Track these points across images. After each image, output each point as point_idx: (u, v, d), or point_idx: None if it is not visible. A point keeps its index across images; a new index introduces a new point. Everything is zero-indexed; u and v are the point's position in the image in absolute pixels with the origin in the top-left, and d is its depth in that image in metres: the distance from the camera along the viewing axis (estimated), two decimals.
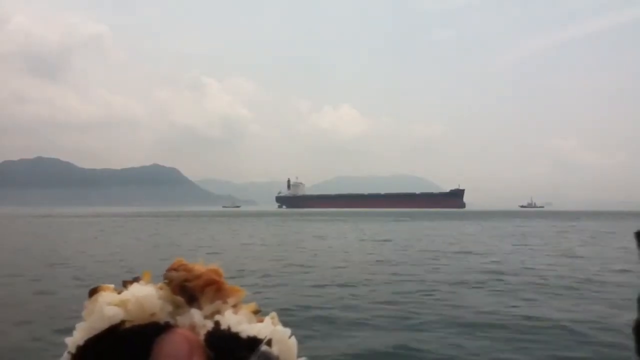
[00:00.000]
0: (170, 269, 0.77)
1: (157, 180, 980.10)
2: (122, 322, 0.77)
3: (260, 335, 0.77)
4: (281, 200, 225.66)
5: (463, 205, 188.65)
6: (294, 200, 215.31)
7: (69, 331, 0.74)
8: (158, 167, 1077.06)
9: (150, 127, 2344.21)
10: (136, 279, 0.77)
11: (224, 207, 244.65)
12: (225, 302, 0.77)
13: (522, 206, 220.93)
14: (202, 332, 0.77)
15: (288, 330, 0.77)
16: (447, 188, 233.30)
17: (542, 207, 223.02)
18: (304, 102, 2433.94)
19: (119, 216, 79.85)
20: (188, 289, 0.77)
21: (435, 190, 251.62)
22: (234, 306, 0.77)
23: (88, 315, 0.77)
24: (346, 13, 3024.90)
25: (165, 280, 0.77)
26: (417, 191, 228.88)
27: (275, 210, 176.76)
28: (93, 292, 0.77)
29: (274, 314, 0.77)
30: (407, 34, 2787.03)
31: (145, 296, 0.76)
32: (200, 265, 0.77)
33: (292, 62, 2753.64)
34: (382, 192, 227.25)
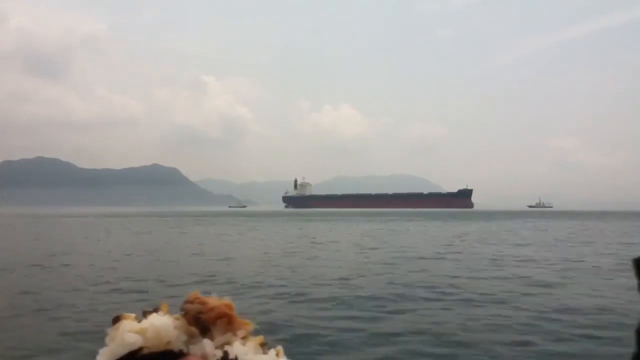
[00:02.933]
0: (186, 302, 0.86)
1: (157, 180, 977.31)
2: (141, 348, 0.85)
3: None
4: (288, 200, 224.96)
5: (471, 205, 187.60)
6: (301, 200, 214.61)
7: None
8: (158, 167, 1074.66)
9: (150, 127, 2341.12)
10: (155, 310, 0.86)
11: (230, 207, 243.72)
12: (234, 334, 0.85)
13: (530, 206, 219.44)
14: None
15: None
16: (447, 188, 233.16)
17: (551, 206, 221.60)
18: (304, 102, 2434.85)
19: (140, 216, 79.16)
20: (202, 321, 0.85)
21: (434, 190, 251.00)
22: (243, 338, 0.85)
23: (110, 341, 0.85)
24: (346, 13, 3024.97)
25: (182, 312, 0.86)
26: (417, 191, 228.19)
27: (284, 210, 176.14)
28: (116, 320, 0.86)
29: (279, 347, 0.84)
30: (407, 34, 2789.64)
31: (162, 325, 0.85)
32: (214, 299, 0.86)
33: (292, 62, 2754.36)
34: (382, 192, 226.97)
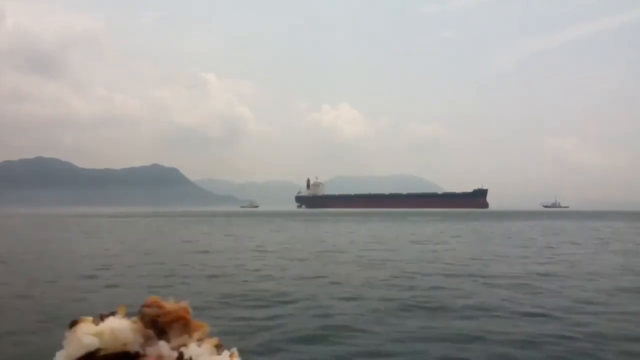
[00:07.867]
0: (144, 306, 0.89)
1: (157, 180, 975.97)
2: (98, 350, 0.87)
3: None
4: (301, 200, 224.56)
5: (486, 205, 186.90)
6: (314, 200, 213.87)
7: None
8: (158, 167, 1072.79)
9: (151, 126, 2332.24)
10: (113, 313, 0.88)
11: (242, 207, 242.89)
12: (190, 336, 0.88)
13: (545, 206, 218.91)
14: None
15: None
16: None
17: (567, 207, 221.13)
18: (303, 102, 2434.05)
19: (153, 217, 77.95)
20: (159, 324, 0.88)
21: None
22: (199, 340, 0.88)
23: (68, 344, 0.87)
24: (346, 14, 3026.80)
25: (139, 316, 0.89)
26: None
27: (300, 210, 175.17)
28: (73, 323, 0.87)
29: (234, 349, 0.88)
30: (407, 35, 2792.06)
31: (118, 328, 0.87)
32: (172, 303, 0.89)
33: (291, 62, 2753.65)
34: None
